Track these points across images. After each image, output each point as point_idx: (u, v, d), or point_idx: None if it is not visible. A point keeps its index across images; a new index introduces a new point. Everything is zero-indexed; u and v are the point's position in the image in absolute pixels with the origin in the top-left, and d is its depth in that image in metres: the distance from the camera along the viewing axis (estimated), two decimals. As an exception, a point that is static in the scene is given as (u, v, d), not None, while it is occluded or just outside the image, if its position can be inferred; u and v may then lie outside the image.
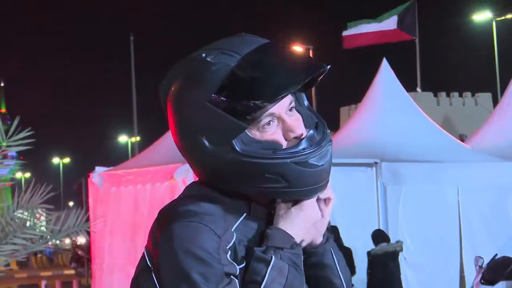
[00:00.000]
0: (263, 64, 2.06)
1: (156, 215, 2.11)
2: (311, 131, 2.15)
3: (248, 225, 2.18)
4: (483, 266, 16.61)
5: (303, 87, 2.17)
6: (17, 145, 9.82)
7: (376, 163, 15.83)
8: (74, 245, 32.14)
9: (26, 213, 10.04)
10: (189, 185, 2.30)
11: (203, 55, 2.09)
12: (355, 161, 16.66)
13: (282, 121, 2.11)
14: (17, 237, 9.69)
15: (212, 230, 2.06)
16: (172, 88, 2.15)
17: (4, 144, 9.69)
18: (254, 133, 2.09)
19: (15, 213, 9.82)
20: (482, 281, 16.21)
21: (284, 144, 2.10)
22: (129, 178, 17.37)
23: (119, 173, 17.96)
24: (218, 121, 2.04)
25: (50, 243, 10.93)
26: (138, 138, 55.19)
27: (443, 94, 73.14)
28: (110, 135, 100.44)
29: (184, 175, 15.62)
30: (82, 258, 27.05)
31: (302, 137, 2.11)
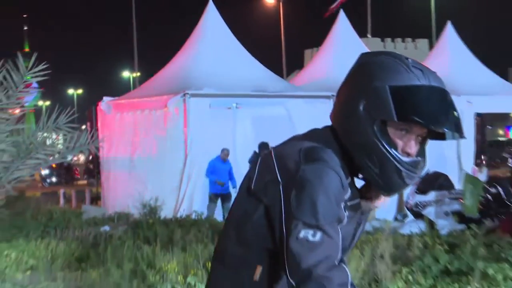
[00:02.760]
0: (438, 101, 2.15)
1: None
2: (420, 159, 2.23)
3: (351, 188, 2.23)
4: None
5: (430, 135, 2.26)
6: (34, 76, 9.76)
7: (332, 95, 15.89)
8: (86, 160, 32.09)
9: (46, 134, 10.00)
10: (323, 128, 2.34)
11: (410, 60, 2.19)
12: (316, 94, 16.75)
13: (411, 138, 2.19)
14: (39, 153, 9.67)
15: (341, 182, 2.12)
16: (374, 60, 2.22)
17: (28, 78, 9.63)
18: (390, 129, 2.17)
19: (38, 134, 9.79)
20: (416, 191, 16.43)
21: (398, 150, 2.18)
22: (130, 106, 17.32)
23: (122, 102, 17.90)
24: (382, 101, 2.12)
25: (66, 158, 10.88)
26: (138, 74, 54.99)
27: (389, 39, 72.92)
28: (115, 70, 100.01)
29: (176, 105, 15.59)
30: (93, 171, 27.08)
31: (410, 155, 2.19)
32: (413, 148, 2.19)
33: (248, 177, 2.28)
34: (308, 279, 1.98)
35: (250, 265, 2.21)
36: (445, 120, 2.14)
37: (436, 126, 2.15)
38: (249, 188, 2.25)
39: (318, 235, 2.02)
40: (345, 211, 2.12)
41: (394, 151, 2.15)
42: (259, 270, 2.19)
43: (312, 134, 2.30)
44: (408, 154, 2.18)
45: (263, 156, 2.29)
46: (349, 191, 2.17)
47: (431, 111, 2.12)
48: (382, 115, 2.13)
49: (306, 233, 2.03)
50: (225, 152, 15.48)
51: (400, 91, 2.12)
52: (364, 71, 2.21)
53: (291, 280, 2.03)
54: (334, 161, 2.14)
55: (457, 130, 2.16)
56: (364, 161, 2.18)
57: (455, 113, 2.17)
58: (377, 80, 2.14)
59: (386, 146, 2.15)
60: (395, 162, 2.15)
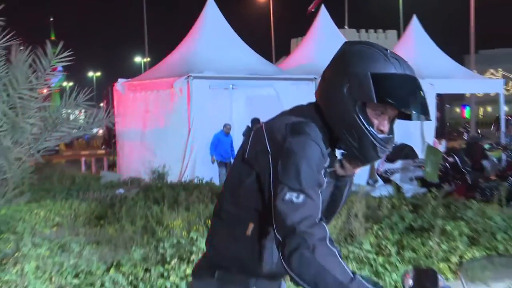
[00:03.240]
0: (410, 88, 2.16)
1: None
2: (391, 136, 2.24)
3: (331, 157, 2.23)
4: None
5: (399, 116, 2.26)
6: (60, 61, 9.69)
7: (314, 78, 15.88)
8: (104, 133, 32.02)
9: (69, 110, 9.94)
10: (308, 105, 2.34)
11: (388, 51, 2.19)
12: (301, 77, 16.73)
13: (385, 118, 2.20)
14: (63, 126, 9.64)
15: (322, 152, 2.13)
16: (358, 48, 2.21)
17: (54, 63, 9.56)
18: (369, 110, 2.17)
19: (62, 110, 9.73)
20: (386, 160, 16.48)
21: (374, 128, 2.18)
22: (141, 87, 17.27)
23: (135, 83, 17.83)
24: (364, 86, 2.12)
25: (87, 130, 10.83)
26: (148, 59, 54.85)
27: (363, 30, 72.56)
28: (129, 56, 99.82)
29: (180, 86, 15.55)
30: (110, 142, 27.02)
31: (384, 133, 2.20)
32: (386, 126, 2.20)
33: (242, 148, 2.28)
34: (292, 234, 1.98)
35: (243, 222, 2.22)
36: (416, 105, 2.15)
37: (408, 109, 2.16)
38: (243, 157, 2.25)
39: (301, 197, 2.02)
40: (325, 177, 2.12)
41: (371, 129, 2.16)
42: (251, 227, 2.20)
43: (298, 110, 2.30)
44: (382, 132, 2.19)
45: (255, 129, 2.28)
46: (329, 160, 2.17)
47: (405, 96, 2.13)
48: (364, 97, 2.13)
49: (290, 196, 2.03)
50: (227, 127, 15.62)
51: (379, 78, 2.11)
52: (348, 58, 2.20)
53: (277, 235, 2.03)
54: (316, 134, 2.14)
55: (425, 113, 2.16)
56: (345, 136, 2.19)
57: (423, 99, 2.17)
58: (360, 67, 2.14)
59: (365, 124, 2.15)
60: (372, 138, 2.17)
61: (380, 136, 2.18)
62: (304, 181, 2.04)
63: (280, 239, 2.02)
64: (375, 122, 2.18)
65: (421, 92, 2.18)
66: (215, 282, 2.27)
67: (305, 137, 2.12)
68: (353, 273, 1.95)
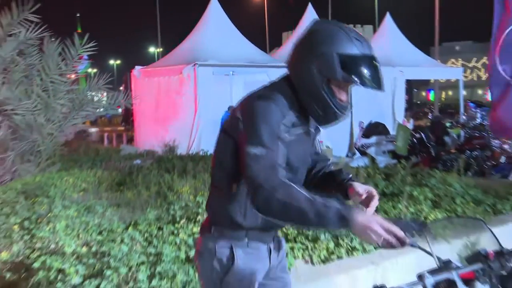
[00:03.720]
0: (370, 67, 2.14)
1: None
2: (348, 104, 2.26)
3: (299, 120, 2.22)
4: (363, 127, 16.90)
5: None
6: (85, 51, 9.60)
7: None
8: (123, 112, 31.93)
9: (94, 93, 9.88)
10: (280, 79, 2.33)
11: (353, 33, 2.16)
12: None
13: (345, 90, 2.21)
14: (89, 106, 9.58)
15: (282, 112, 2.12)
16: (326, 28, 2.18)
17: (81, 52, 9.47)
18: (333, 84, 2.17)
19: (87, 93, 9.68)
20: (362, 136, 16.49)
21: (336, 99, 2.19)
22: (155, 73, 17.19)
23: (149, 70, 17.73)
24: (330, 65, 2.11)
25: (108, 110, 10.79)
26: (161, 49, 54.42)
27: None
28: (144, 46, 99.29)
29: (188, 72, 15.48)
30: (128, 120, 26.97)
31: (344, 102, 2.21)
32: (345, 96, 2.21)
33: (224, 121, 2.29)
34: (255, 182, 1.98)
35: (229, 183, 2.23)
36: (374, 81, 2.14)
37: (368, 86, 2.14)
38: (223, 128, 2.27)
39: (261, 149, 2.02)
40: (285, 134, 2.11)
41: (335, 100, 2.17)
42: (235, 186, 2.21)
43: (270, 84, 2.31)
44: (342, 101, 2.20)
45: (236, 104, 2.29)
46: (291, 120, 2.16)
47: (365, 74, 2.12)
48: (330, 75, 2.13)
49: (252, 149, 2.02)
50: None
51: (344, 58, 2.10)
52: (317, 37, 2.17)
53: (247, 187, 2.04)
54: (278, 99, 2.14)
55: (380, 87, 2.16)
56: (312, 105, 2.20)
57: (380, 74, 2.17)
58: (327, 47, 2.12)
59: (330, 97, 2.17)
60: (335, 109, 2.19)
61: (341, 105, 2.20)
62: (264, 136, 2.03)
63: (249, 188, 2.02)
64: (337, 93, 2.18)
65: (378, 69, 2.17)
66: (212, 236, 2.28)
67: (266, 101, 2.11)
68: (313, 196, 1.94)
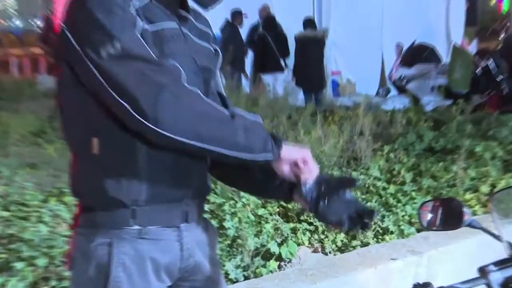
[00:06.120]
0: None
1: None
2: None
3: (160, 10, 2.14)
4: (402, 51, 16.83)
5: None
6: None
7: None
8: (44, 26, 31.66)
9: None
10: None
11: None
12: None
13: None
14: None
15: None
16: None
17: None
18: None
19: None
20: (400, 63, 16.48)
21: None
22: None
23: None
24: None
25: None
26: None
27: None
28: None
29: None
30: (50, 38, 26.69)
31: None
32: None
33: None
34: (137, 92, 1.86)
35: (86, 142, 2.15)
36: None
37: None
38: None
39: (117, 45, 1.87)
40: (141, 20, 1.98)
41: None
42: (96, 142, 2.11)
43: None
44: None
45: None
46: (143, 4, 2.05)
47: None
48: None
49: (103, 51, 1.88)
50: None
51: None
52: None
53: (123, 108, 1.90)
54: None
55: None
56: None
57: None
58: None
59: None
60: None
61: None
62: (108, 25, 1.90)
63: (128, 108, 1.86)
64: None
65: None
66: (83, 230, 2.14)
67: None
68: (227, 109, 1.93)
